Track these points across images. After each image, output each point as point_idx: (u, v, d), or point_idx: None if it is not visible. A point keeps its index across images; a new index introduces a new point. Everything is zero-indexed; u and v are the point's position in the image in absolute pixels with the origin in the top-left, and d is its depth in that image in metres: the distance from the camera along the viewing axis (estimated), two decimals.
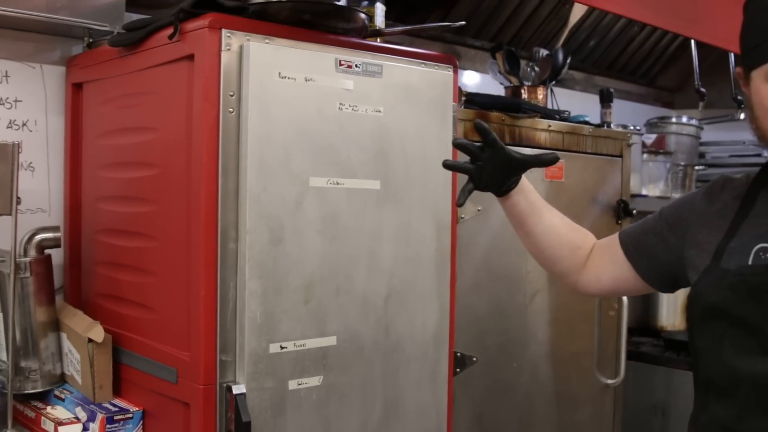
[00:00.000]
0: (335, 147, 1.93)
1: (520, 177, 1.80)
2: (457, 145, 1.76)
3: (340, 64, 1.94)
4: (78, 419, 2.00)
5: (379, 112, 2.00)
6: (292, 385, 1.87)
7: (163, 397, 1.93)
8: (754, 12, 1.55)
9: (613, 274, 1.85)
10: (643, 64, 4.58)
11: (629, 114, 4.41)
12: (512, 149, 1.75)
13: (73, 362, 2.07)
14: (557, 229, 1.86)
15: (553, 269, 1.92)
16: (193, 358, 1.81)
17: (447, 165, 1.79)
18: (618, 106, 4.37)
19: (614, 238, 1.87)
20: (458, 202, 1.77)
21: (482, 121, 1.71)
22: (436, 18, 3.32)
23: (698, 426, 1.65)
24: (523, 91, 3.20)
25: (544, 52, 3.40)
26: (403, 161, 2.05)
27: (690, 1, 3.09)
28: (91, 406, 2.00)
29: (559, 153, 2.79)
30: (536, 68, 3.33)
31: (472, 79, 3.75)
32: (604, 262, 1.86)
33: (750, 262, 1.55)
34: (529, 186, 1.83)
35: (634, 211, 3.07)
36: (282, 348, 1.85)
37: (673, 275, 1.76)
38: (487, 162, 1.73)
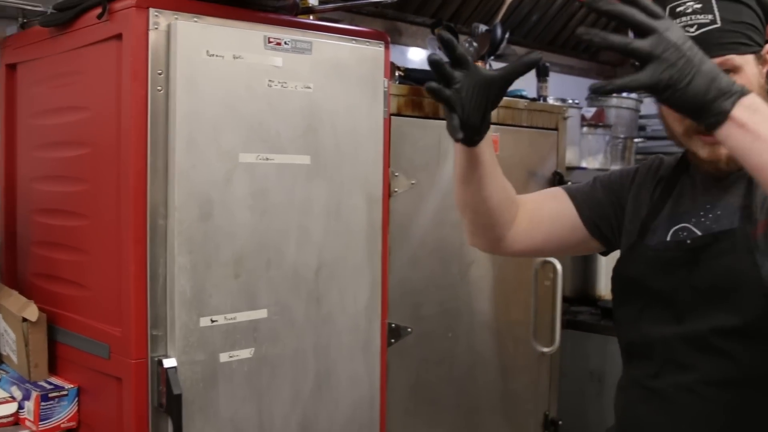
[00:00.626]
0: (264, 123, 1.96)
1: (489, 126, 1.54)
2: (431, 63, 1.44)
3: (269, 42, 1.96)
4: (13, 398, 2.03)
5: (309, 88, 2.03)
6: (224, 357, 1.91)
7: (96, 373, 1.95)
8: None
9: (551, 229, 1.79)
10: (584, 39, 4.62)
11: (573, 88, 4.45)
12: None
13: (9, 342, 2.09)
14: (504, 182, 1.72)
15: (484, 223, 1.76)
16: (125, 334, 1.84)
17: (429, 88, 1.43)
18: (561, 80, 4.44)
19: (556, 193, 1.84)
20: (456, 138, 1.46)
21: (446, 33, 1.43)
22: None
23: (621, 387, 1.73)
24: None
25: (483, 27, 3.44)
26: (333, 137, 2.09)
27: None
28: (27, 384, 2.02)
29: (493, 127, 2.85)
30: (474, 44, 3.37)
31: (417, 55, 3.77)
32: (541, 218, 1.79)
33: (668, 239, 1.62)
34: (489, 133, 1.58)
35: (570, 184, 3.13)
36: (213, 321, 1.88)
37: (614, 237, 1.80)
38: (464, 83, 1.44)
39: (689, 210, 1.63)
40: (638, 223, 1.71)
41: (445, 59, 1.45)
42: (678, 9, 1.51)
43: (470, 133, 1.51)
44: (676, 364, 1.57)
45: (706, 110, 1.24)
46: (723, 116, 1.23)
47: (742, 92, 1.24)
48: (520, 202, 1.81)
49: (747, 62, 1.50)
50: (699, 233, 1.58)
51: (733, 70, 1.48)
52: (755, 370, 1.51)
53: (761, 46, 1.53)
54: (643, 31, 1.22)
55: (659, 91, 1.23)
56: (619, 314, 1.71)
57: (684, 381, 1.56)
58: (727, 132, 1.25)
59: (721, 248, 1.53)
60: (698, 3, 1.49)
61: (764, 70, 1.55)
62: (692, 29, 1.48)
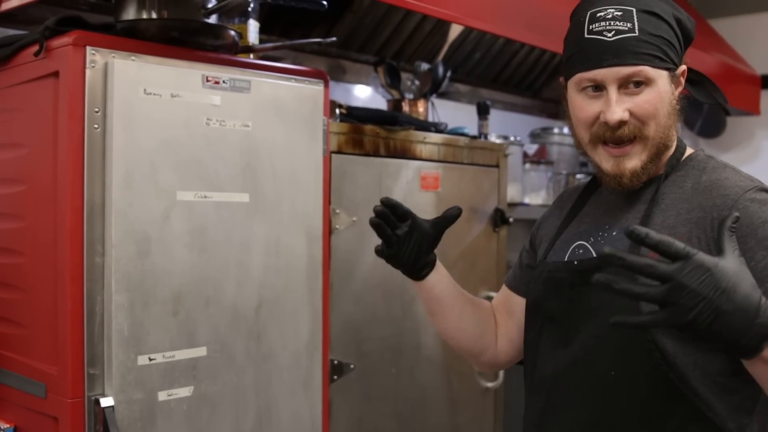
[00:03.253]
0: (202, 161, 1.96)
1: (435, 258, 1.76)
2: (373, 225, 1.69)
3: (207, 80, 1.97)
4: None
5: (248, 126, 2.05)
6: (162, 396, 1.89)
7: (33, 412, 1.93)
8: (571, 25, 1.61)
9: (518, 327, 1.81)
10: (527, 77, 4.70)
11: (517, 125, 4.52)
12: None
13: None
14: (478, 315, 1.83)
15: (468, 350, 1.87)
16: (61, 372, 1.83)
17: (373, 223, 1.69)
18: (504, 117, 4.50)
19: (503, 293, 1.89)
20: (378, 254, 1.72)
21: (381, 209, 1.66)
22: (320, 33, 3.37)
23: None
24: (404, 104, 3.27)
25: (425, 65, 3.49)
26: (272, 175, 2.10)
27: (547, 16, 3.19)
28: None
29: (435, 164, 2.90)
30: (416, 82, 3.42)
31: (363, 93, 3.81)
32: (506, 323, 1.86)
33: (566, 258, 1.64)
34: (444, 270, 1.78)
35: (511, 219, 3.17)
36: (151, 360, 1.87)
37: None
38: (403, 231, 1.68)
39: (589, 229, 1.65)
40: (546, 244, 1.74)
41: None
42: (599, 14, 1.53)
43: (407, 269, 1.72)
44: (563, 402, 1.58)
45: (735, 348, 1.24)
46: (751, 355, 1.25)
47: None
48: (498, 321, 1.88)
49: (660, 76, 1.52)
50: (593, 253, 1.59)
51: (645, 82, 1.50)
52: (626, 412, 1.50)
53: (676, 66, 1.56)
54: (659, 279, 1.21)
55: (681, 330, 1.23)
56: (526, 339, 1.73)
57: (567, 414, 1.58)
58: (753, 364, 1.28)
59: (605, 272, 1.55)
60: (619, 11, 1.51)
61: (677, 92, 1.57)
62: (609, 35, 1.50)
